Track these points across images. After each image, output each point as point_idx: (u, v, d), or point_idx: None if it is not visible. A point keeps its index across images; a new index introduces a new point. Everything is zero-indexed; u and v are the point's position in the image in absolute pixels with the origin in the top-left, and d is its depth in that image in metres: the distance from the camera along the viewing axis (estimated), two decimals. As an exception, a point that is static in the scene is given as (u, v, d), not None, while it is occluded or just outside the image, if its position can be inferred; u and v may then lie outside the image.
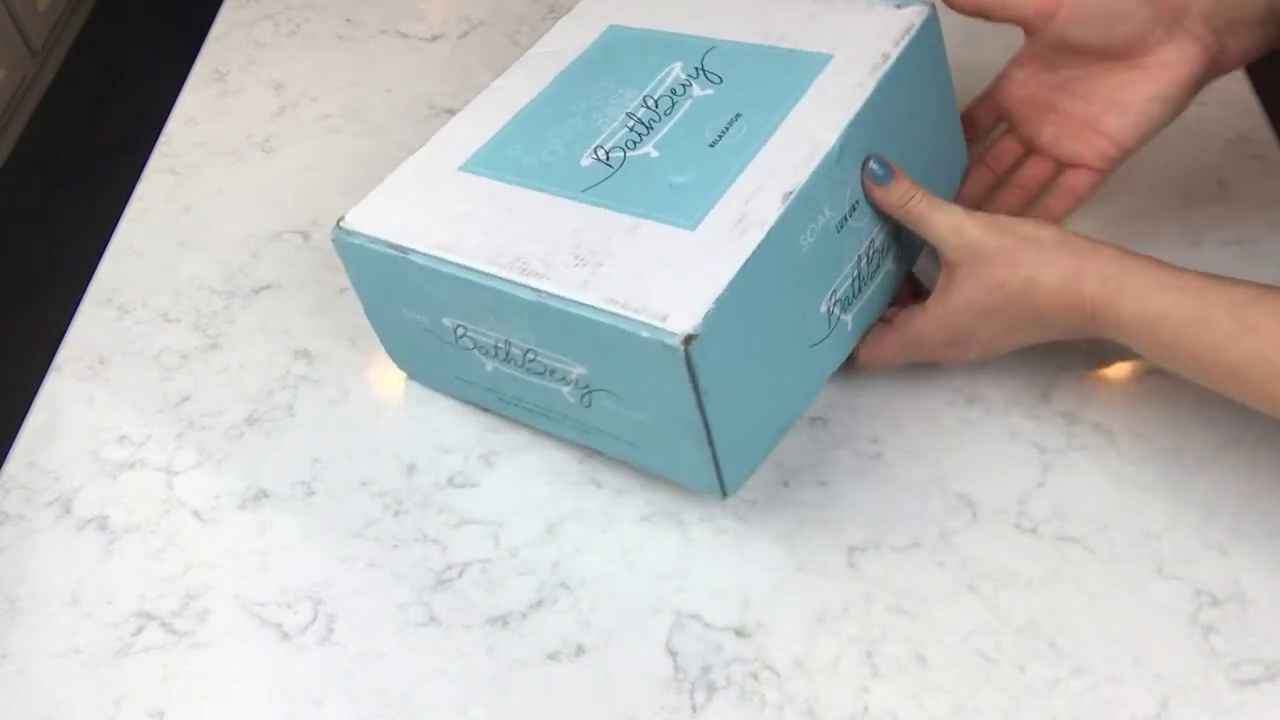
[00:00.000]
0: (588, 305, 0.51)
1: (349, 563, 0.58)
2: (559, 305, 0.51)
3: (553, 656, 0.54)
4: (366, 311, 0.63)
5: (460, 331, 0.57)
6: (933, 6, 0.61)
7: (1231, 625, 0.53)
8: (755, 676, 0.53)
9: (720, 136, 0.57)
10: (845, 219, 0.56)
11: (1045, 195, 0.64)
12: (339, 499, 0.61)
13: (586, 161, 0.58)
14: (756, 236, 0.51)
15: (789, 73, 0.60)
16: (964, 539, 0.56)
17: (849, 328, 0.59)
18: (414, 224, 0.57)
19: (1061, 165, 0.63)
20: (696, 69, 0.62)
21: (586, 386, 0.54)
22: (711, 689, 0.52)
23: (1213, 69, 0.58)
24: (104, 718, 0.53)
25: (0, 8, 1.96)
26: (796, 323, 0.55)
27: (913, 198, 0.56)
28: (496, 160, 0.59)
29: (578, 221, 0.54)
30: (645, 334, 0.49)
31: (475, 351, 0.57)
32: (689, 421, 0.51)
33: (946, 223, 0.55)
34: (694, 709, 0.52)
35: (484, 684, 0.53)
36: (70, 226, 1.92)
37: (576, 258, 0.52)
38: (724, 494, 0.55)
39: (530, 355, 0.55)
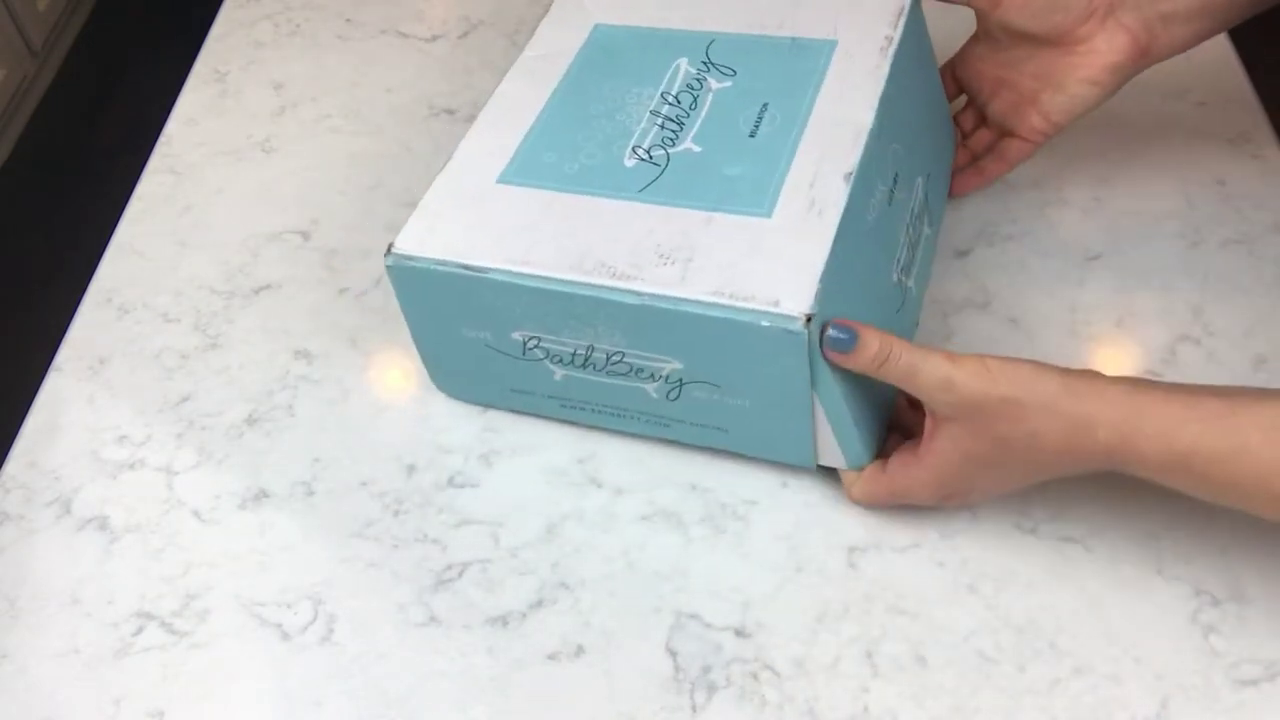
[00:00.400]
0: (693, 300, 0.51)
1: (349, 563, 0.58)
2: (663, 305, 0.51)
3: (553, 656, 0.54)
4: (414, 333, 0.60)
5: (532, 344, 0.56)
6: None
7: (1231, 625, 0.53)
8: (755, 676, 0.53)
9: (756, 126, 0.58)
10: (892, 192, 0.57)
11: (984, 159, 0.69)
12: (339, 499, 0.61)
13: (630, 162, 0.57)
14: (834, 216, 0.52)
15: (799, 60, 0.61)
16: (964, 539, 0.56)
17: (914, 292, 0.61)
18: (476, 242, 0.55)
19: (1001, 133, 0.68)
20: (704, 63, 0.62)
21: (679, 381, 0.54)
22: (711, 689, 0.52)
23: (1142, 58, 0.62)
24: (104, 718, 0.53)
25: (0, 8, 1.96)
26: (880, 294, 0.57)
27: (889, 355, 0.50)
28: (533, 169, 0.58)
29: (648, 221, 0.54)
30: (765, 322, 0.49)
31: (546, 361, 0.57)
32: (799, 401, 0.52)
33: (933, 378, 0.50)
34: (694, 709, 0.52)
35: (484, 684, 0.53)
36: (70, 226, 1.91)
37: (661, 256, 0.53)
38: (817, 463, 0.57)
39: (616, 358, 0.55)
